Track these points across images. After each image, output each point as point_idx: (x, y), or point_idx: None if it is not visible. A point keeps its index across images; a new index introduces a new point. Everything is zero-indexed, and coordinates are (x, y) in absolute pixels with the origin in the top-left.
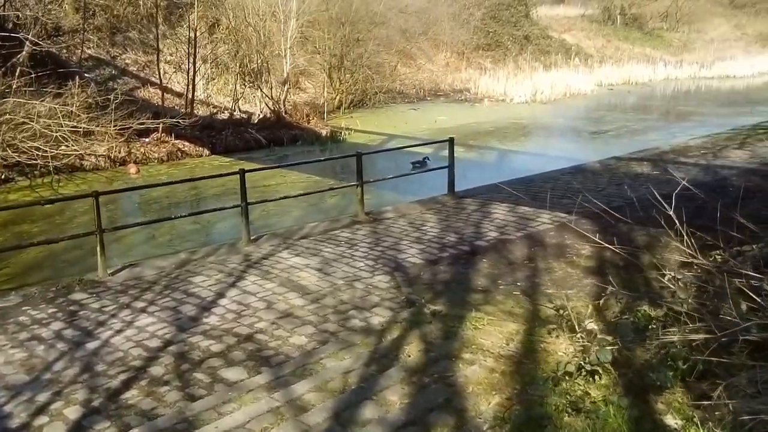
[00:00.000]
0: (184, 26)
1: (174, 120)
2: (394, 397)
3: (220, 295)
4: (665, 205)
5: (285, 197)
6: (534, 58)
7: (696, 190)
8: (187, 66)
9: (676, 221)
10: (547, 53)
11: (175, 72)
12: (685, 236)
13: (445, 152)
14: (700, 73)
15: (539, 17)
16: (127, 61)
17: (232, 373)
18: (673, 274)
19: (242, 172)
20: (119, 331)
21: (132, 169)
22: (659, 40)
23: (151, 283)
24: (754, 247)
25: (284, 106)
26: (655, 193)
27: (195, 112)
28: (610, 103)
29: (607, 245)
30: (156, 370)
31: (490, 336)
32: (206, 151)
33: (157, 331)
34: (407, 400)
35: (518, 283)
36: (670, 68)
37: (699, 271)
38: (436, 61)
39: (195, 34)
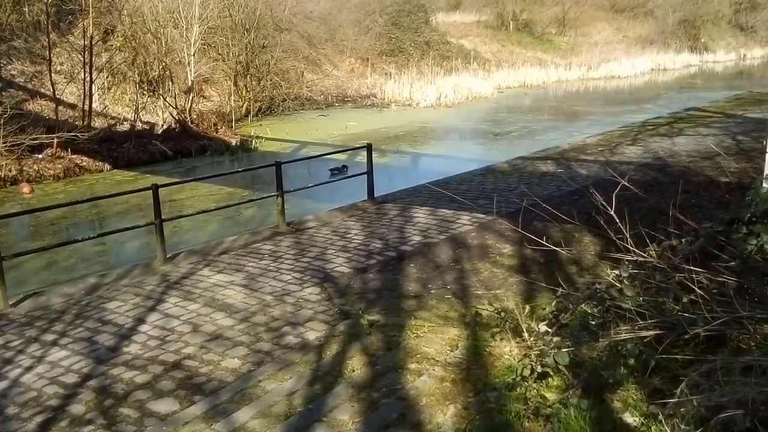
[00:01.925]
0: (76, 34)
1: (71, 134)
2: (345, 416)
3: (140, 320)
4: (605, 204)
5: (203, 211)
6: (435, 63)
7: (634, 188)
8: (82, 76)
9: (612, 217)
10: (448, 58)
11: (68, 83)
12: (615, 234)
13: (360, 158)
14: (588, 74)
15: (438, 23)
16: (12, 72)
17: (162, 406)
18: (618, 271)
19: (155, 187)
20: (29, 368)
21: (25, 188)
22: (549, 44)
23: (59, 313)
24: (682, 240)
25: (190, 115)
26: (597, 189)
27: (93, 124)
28: (510, 105)
29: (552, 246)
30: (76, 408)
31: (433, 343)
32: (107, 166)
33: (73, 365)
34: (359, 418)
35: (448, 286)
36: (561, 71)
37: (632, 267)
38: (342, 67)
39: (90, 42)
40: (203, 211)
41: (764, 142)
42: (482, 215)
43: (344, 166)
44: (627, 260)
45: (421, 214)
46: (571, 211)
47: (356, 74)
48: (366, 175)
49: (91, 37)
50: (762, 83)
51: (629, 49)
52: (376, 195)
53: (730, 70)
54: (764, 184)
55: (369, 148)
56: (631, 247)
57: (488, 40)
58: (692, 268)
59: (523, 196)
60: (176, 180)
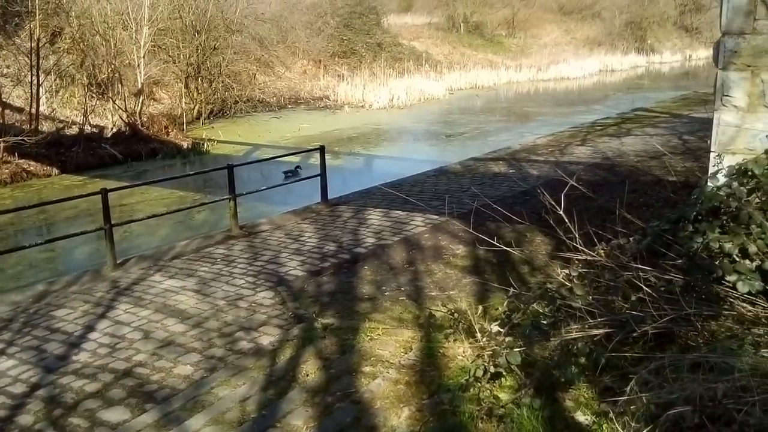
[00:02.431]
0: (23, 36)
1: (18, 138)
2: (299, 421)
3: (90, 328)
4: (555, 205)
5: (153, 215)
6: (388, 65)
7: (583, 188)
8: (29, 79)
9: (562, 217)
10: (400, 60)
11: (14, 86)
12: (572, 233)
13: (314, 160)
14: (538, 75)
15: (390, 25)
16: None
17: (113, 414)
18: (568, 271)
19: (104, 192)
20: None
21: None
22: (500, 46)
23: (6, 321)
24: (630, 239)
25: (140, 118)
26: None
27: (40, 128)
28: (462, 107)
29: (503, 246)
30: (25, 419)
31: (387, 346)
32: (55, 170)
33: (21, 375)
34: (314, 423)
35: (402, 288)
36: (512, 72)
37: (581, 266)
38: (294, 69)
39: (38, 44)
40: (154, 216)
41: (708, 142)
42: (435, 216)
43: (297, 168)
44: (577, 259)
45: (375, 216)
46: (523, 211)
47: (309, 76)
48: (319, 178)
49: (38, 39)
50: (707, 84)
51: (578, 51)
52: (329, 197)
53: (676, 70)
54: (709, 183)
55: (322, 150)
56: (580, 247)
57: (439, 42)
58: (640, 266)
59: (475, 197)
60: (126, 184)
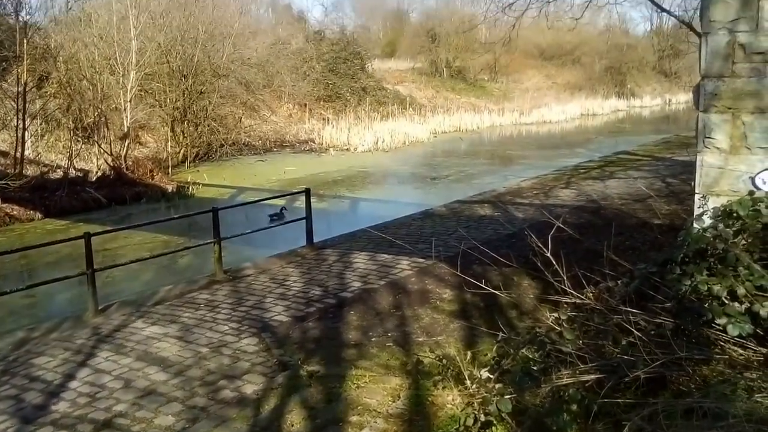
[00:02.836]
0: (10, 80)
1: (2, 182)
2: None
3: (69, 376)
4: (542, 247)
5: (137, 260)
6: (372, 109)
7: (569, 230)
8: (15, 123)
9: (550, 259)
10: (384, 104)
11: (0, 130)
12: (560, 276)
13: (299, 203)
14: (521, 119)
15: (374, 70)
16: None
17: None
18: (557, 314)
19: (87, 236)
20: None
21: None
22: (482, 90)
23: None
24: (618, 282)
25: (125, 161)
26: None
27: (25, 171)
28: (446, 150)
29: (491, 290)
30: None
31: (375, 394)
32: (39, 215)
33: None
34: None
35: (389, 334)
36: (494, 116)
37: (570, 309)
38: (280, 113)
39: (24, 88)
40: (137, 260)
41: (692, 184)
42: (422, 260)
43: (283, 211)
44: (566, 303)
45: (361, 260)
46: (510, 254)
47: (294, 119)
48: (305, 221)
49: (25, 84)
50: (688, 127)
51: (559, 95)
52: (315, 240)
53: (656, 114)
54: (695, 225)
55: (307, 193)
56: (569, 290)
57: (423, 86)
58: (629, 309)
59: (461, 239)
60: (109, 228)
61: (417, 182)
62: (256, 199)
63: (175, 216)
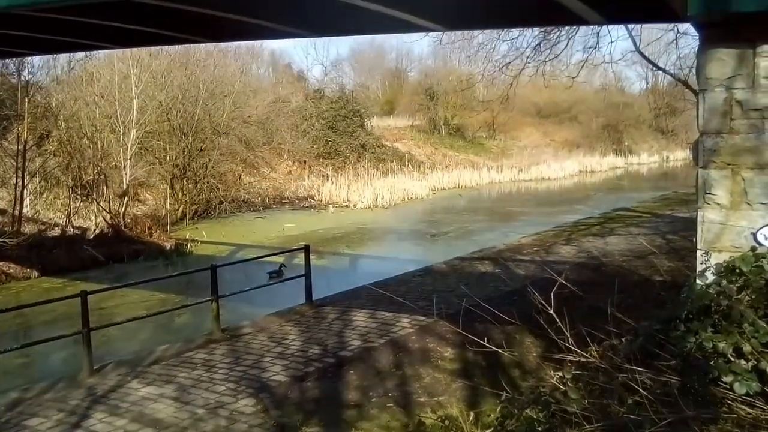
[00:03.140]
0: (10, 139)
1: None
2: None
3: None
4: (545, 304)
5: (133, 319)
6: (371, 165)
7: (571, 286)
8: (13, 180)
9: (552, 317)
10: (383, 160)
11: None
12: (563, 333)
13: (298, 260)
14: (519, 176)
15: (373, 127)
16: None
17: None
18: (561, 373)
19: (83, 294)
20: None
21: None
22: (481, 147)
23: None
24: (622, 340)
25: (124, 219)
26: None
27: (22, 229)
28: (446, 206)
29: (494, 348)
30: None
31: None
32: (36, 273)
33: None
34: None
35: (390, 394)
36: (493, 173)
37: (574, 368)
38: (279, 170)
39: (25, 147)
40: (133, 319)
41: (694, 240)
42: (422, 317)
43: (282, 268)
44: (569, 361)
45: (361, 317)
46: (512, 311)
47: (294, 176)
48: (304, 278)
49: (26, 142)
50: (686, 184)
51: (557, 152)
52: (314, 298)
53: (654, 171)
54: (698, 281)
55: (306, 249)
56: (573, 347)
57: (422, 143)
58: (635, 368)
59: (462, 297)
60: (106, 286)
61: (417, 239)
62: (255, 256)
63: (173, 273)
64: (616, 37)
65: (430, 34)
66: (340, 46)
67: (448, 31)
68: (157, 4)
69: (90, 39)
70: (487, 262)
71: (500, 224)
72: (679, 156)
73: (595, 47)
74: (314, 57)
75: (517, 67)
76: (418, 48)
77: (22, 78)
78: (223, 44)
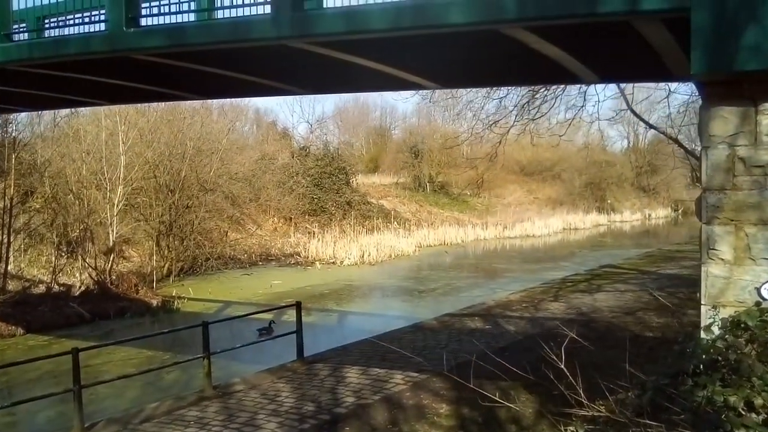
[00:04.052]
0: None
1: None
2: None
3: None
4: (553, 358)
5: (123, 377)
6: (357, 222)
7: (577, 335)
8: None
9: (547, 373)
10: (369, 217)
11: None
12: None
13: (287, 317)
14: (504, 233)
15: (358, 185)
16: None
17: None
18: (572, 428)
19: (75, 351)
20: None
21: None
22: (465, 204)
23: None
24: (629, 394)
25: (109, 276)
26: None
27: (6, 287)
28: (432, 263)
29: (496, 399)
30: None
31: None
32: (20, 330)
33: None
34: None
35: None
36: (478, 229)
37: (582, 422)
38: (266, 227)
39: (11, 204)
40: (124, 377)
41: (698, 294)
42: (415, 373)
43: (271, 324)
44: (575, 416)
45: (353, 374)
46: (505, 367)
47: (280, 233)
48: (294, 335)
49: (11, 200)
50: (669, 241)
51: (541, 210)
52: (305, 355)
53: (637, 229)
54: (703, 335)
55: (298, 306)
56: (584, 401)
57: (407, 200)
58: (647, 421)
59: (454, 353)
60: (96, 344)
61: (405, 295)
62: (244, 313)
63: (164, 330)
64: (604, 97)
65: (421, 91)
66: (326, 103)
67: (441, 89)
68: (152, 60)
69: (79, 95)
70: (476, 318)
71: (487, 281)
72: (661, 214)
73: (583, 106)
74: (300, 115)
75: (505, 125)
76: (402, 106)
77: (8, 134)
78: (208, 101)
